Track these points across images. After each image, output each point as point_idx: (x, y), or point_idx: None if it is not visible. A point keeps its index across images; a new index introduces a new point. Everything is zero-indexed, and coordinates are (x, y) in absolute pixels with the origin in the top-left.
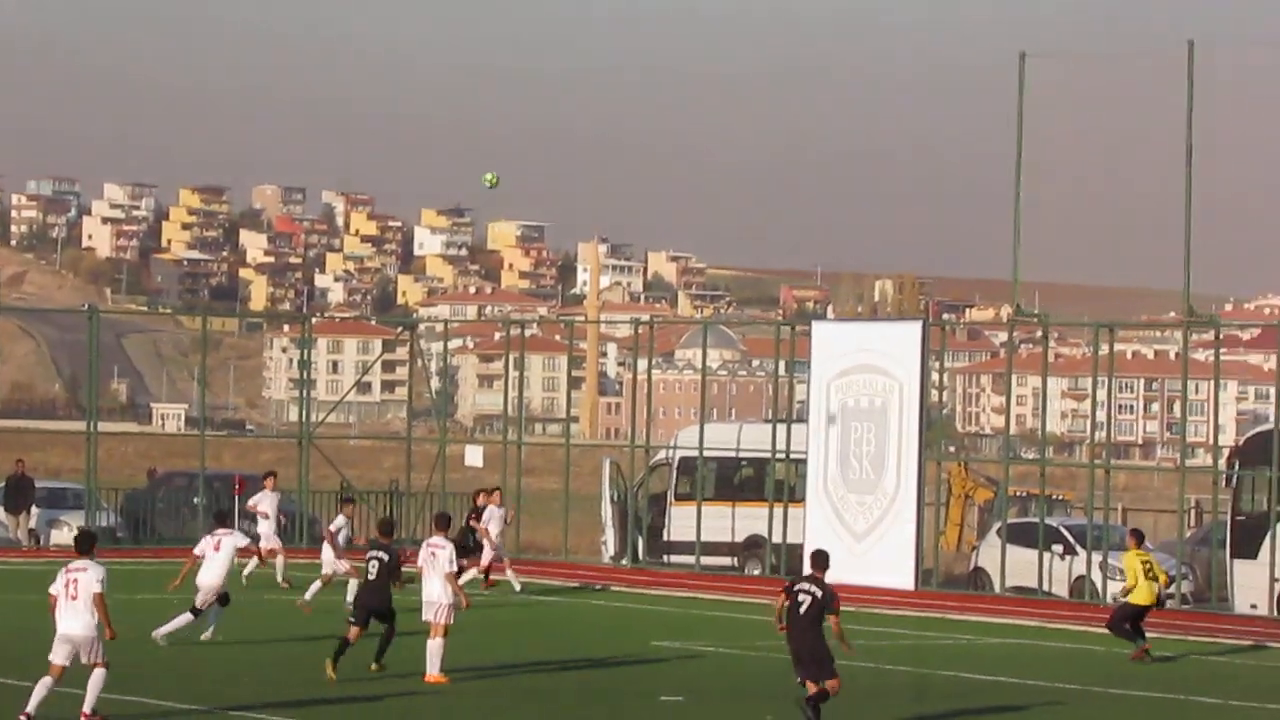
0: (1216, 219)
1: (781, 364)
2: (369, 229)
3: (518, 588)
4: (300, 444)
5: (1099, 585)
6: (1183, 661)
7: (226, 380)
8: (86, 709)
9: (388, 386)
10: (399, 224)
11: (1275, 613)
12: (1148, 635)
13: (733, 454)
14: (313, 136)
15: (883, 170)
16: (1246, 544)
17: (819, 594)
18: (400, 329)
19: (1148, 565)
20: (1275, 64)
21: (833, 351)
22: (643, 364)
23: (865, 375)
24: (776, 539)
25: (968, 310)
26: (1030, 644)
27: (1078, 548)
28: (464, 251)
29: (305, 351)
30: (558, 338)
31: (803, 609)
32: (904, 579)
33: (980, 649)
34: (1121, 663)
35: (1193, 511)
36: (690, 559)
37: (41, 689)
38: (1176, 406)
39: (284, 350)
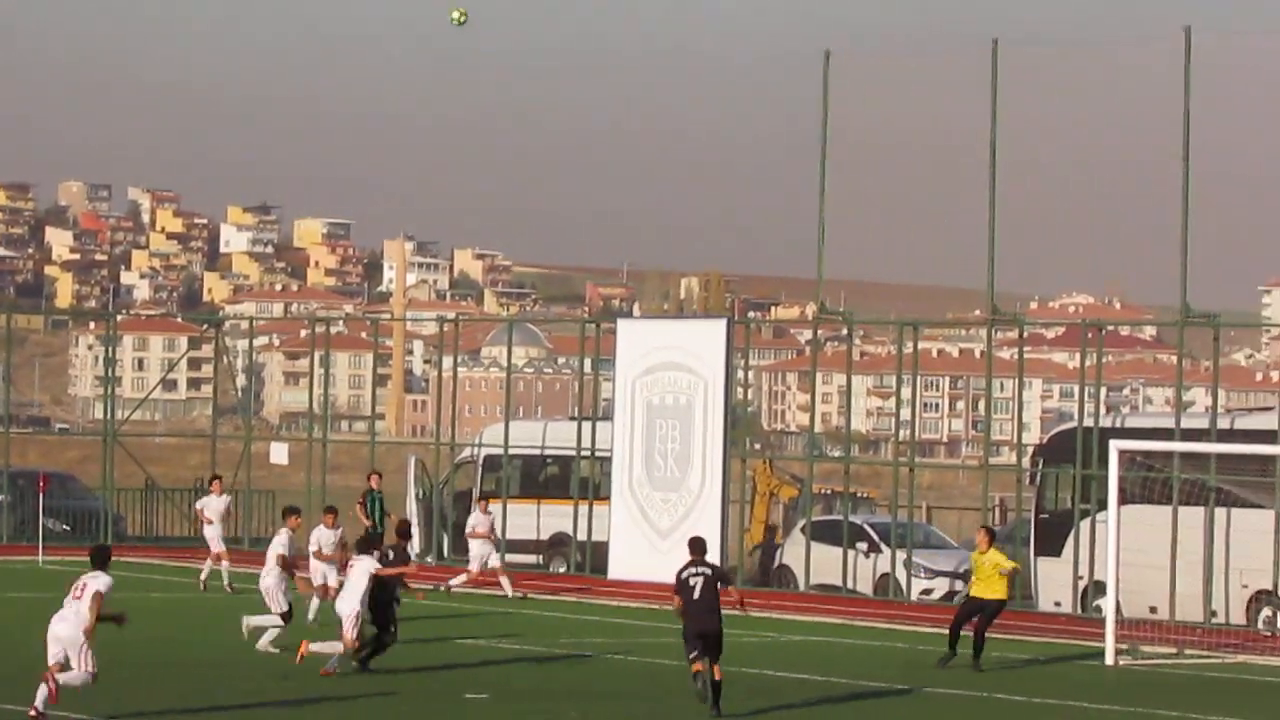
0: (1021, 218)
1: (587, 362)
2: (175, 226)
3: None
4: (105, 441)
5: (903, 583)
6: (986, 659)
7: (32, 377)
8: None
9: (194, 384)
10: (205, 221)
11: (1079, 610)
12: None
13: (538, 452)
14: (119, 133)
15: (688, 168)
16: (1050, 542)
17: (709, 572)
18: (206, 326)
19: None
20: (1077, 61)
21: (638, 349)
22: (448, 362)
23: (670, 373)
24: (581, 536)
25: (774, 308)
26: (834, 641)
27: (882, 545)
28: (270, 249)
29: (110, 349)
30: (364, 335)
31: (697, 592)
32: None
33: (784, 646)
34: (925, 659)
35: (997, 509)
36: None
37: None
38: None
39: (90, 348)
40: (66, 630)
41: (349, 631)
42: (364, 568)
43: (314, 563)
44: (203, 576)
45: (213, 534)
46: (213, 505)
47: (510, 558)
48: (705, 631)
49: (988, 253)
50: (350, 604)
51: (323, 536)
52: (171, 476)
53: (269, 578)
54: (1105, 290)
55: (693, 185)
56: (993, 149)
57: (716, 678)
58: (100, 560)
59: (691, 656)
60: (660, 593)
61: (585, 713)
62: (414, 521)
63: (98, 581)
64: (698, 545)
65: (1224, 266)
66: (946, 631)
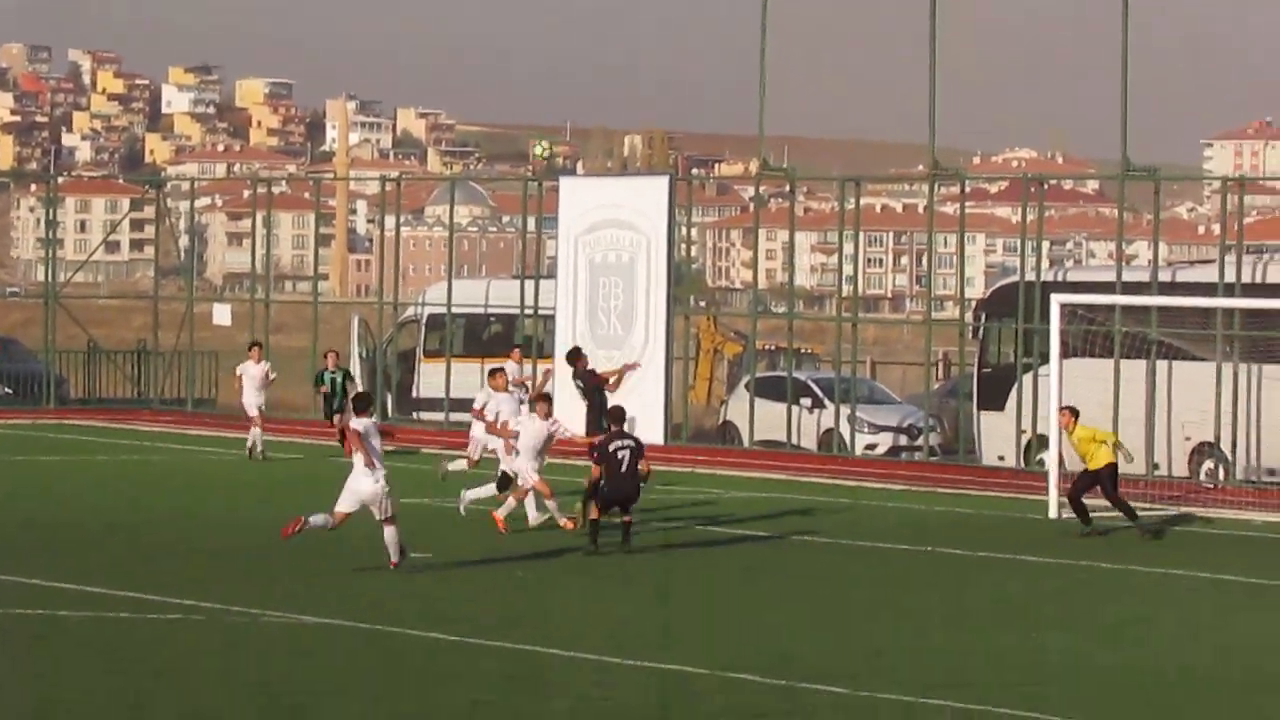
0: (963, 74)
1: (530, 220)
2: (116, 87)
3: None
4: (46, 304)
5: (846, 438)
6: (929, 513)
7: None
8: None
9: (136, 245)
10: (146, 82)
11: (1022, 464)
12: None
13: (482, 310)
14: None
15: (631, 24)
16: (993, 396)
17: (634, 444)
18: (147, 188)
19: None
20: None
21: (581, 207)
22: (391, 221)
23: (613, 230)
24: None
25: (717, 165)
26: (779, 496)
27: (826, 401)
28: (212, 109)
29: (51, 211)
30: (306, 195)
31: (624, 464)
32: (654, 433)
33: (729, 502)
34: (868, 512)
35: (940, 364)
36: (440, 415)
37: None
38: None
39: (31, 210)
40: (369, 488)
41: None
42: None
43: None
44: (249, 444)
45: (250, 401)
46: (251, 371)
47: (454, 416)
48: (627, 497)
49: (929, 108)
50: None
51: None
52: (114, 338)
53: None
54: (1048, 145)
55: (637, 43)
56: (933, 4)
57: (627, 520)
58: (362, 406)
59: (609, 513)
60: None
61: (530, 571)
62: (358, 381)
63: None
64: (619, 415)
65: (1166, 121)
66: (892, 488)
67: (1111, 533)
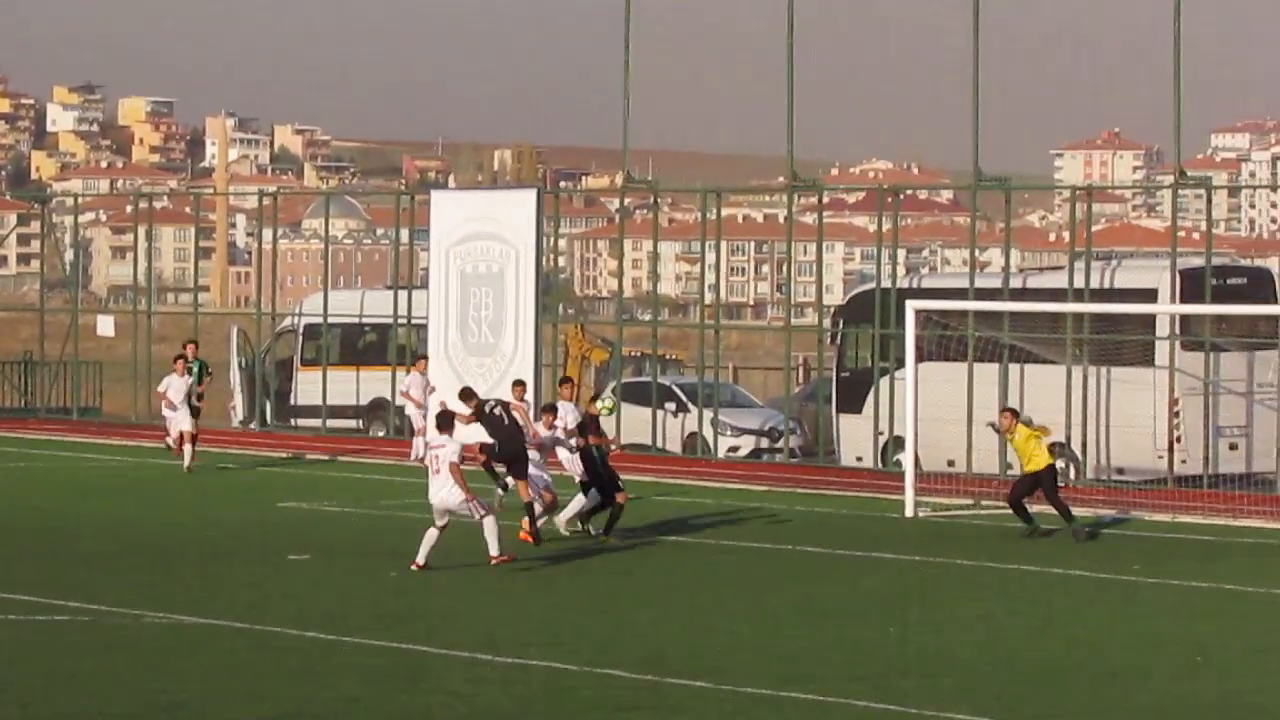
0: (821, 88)
1: (403, 233)
2: (2, 106)
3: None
4: None
5: (710, 441)
6: (791, 513)
7: None
8: (493, 553)
9: (23, 259)
10: (31, 101)
11: (879, 465)
12: None
13: (357, 320)
14: None
15: (500, 42)
16: (851, 399)
17: (498, 400)
18: (33, 204)
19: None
20: None
21: (452, 219)
22: (269, 234)
23: (483, 242)
24: (400, 402)
25: (584, 178)
26: (646, 498)
27: (690, 405)
28: (95, 127)
29: None
30: (187, 210)
31: (505, 419)
32: None
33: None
34: (732, 515)
35: (800, 369)
36: (317, 422)
37: (428, 540)
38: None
39: None
40: (448, 498)
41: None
42: None
43: None
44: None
45: (416, 414)
46: (416, 386)
47: (331, 423)
48: (516, 455)
49: (787, 122)
50: None
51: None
52: (2, 349)
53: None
54: (903, 156)
55: (507, 60)
56: (790, 21)
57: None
58: (444, 424)
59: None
60: (474, 455)
61: (403, 569)
62: (237, 390)
63: (449, 452)
64: (467, 393)
65: (1018, 132)
66: (754, 489)
67: (1055, 533)
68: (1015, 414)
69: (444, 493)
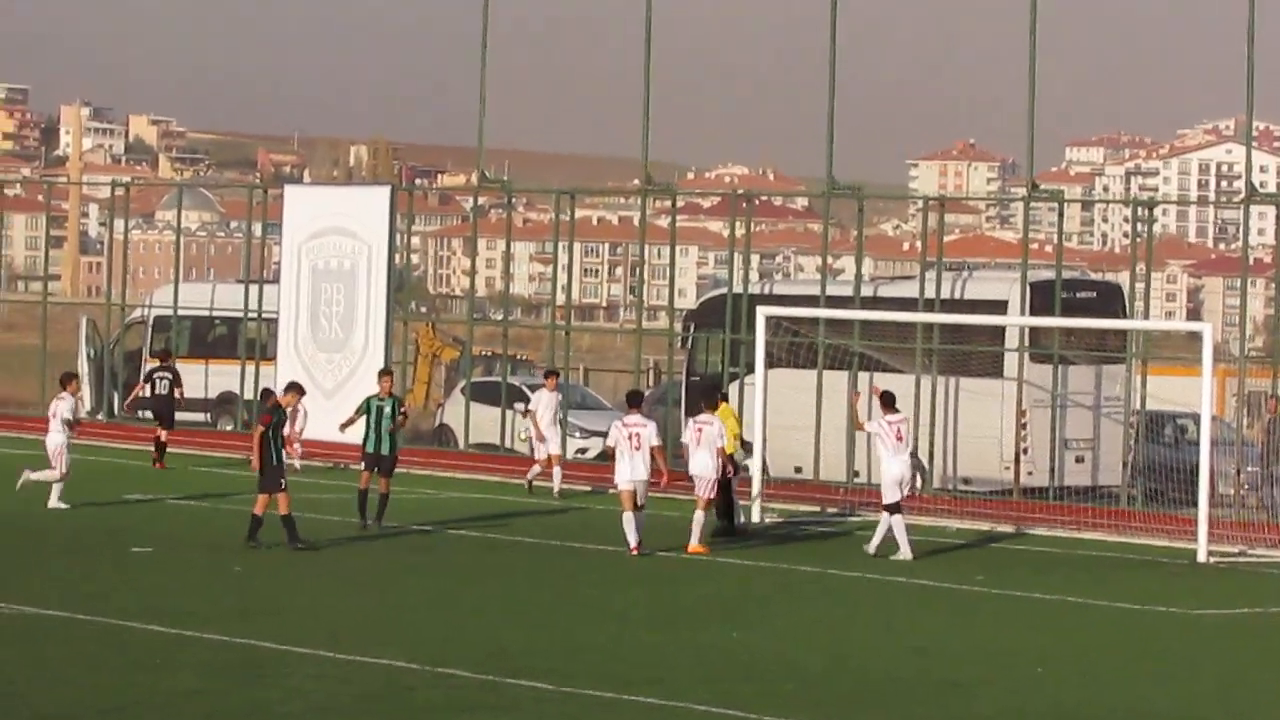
0: (679, 93)
1: (256, 226)
2: None
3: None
4: None
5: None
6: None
7: None
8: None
9: None
10: None
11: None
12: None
13: (207, 313)
14: None
15: (359, 38)
16: (700, 403)
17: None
18: None
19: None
20: None
21: (305, 215)
22: (121, 224)
23: (335, 238)
24: (249, 395)
25: (440, 176)
26: (492, 498)
27: None
28: None
29: None
30: (40, 198)
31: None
32: None
33: (443, 502)
34: (578, 514)
35: (651, 372)
36: (124, 412)
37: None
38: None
39: None
40: (642, 475)
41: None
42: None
43: None
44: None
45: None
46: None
47: (180, 415)
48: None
49: (643, 125)
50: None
51: None
52: None
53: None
54: (759, 162)
55: (365, 56)
56: (648, 28)
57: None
58: (635, 401)
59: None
60: (326, 451)
61: (248, 564)
62: (86, 380)
63: (650, 433)
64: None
65: (874, 141)
66: (603, 490)
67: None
68: (725, 398)
69: (640, 470)
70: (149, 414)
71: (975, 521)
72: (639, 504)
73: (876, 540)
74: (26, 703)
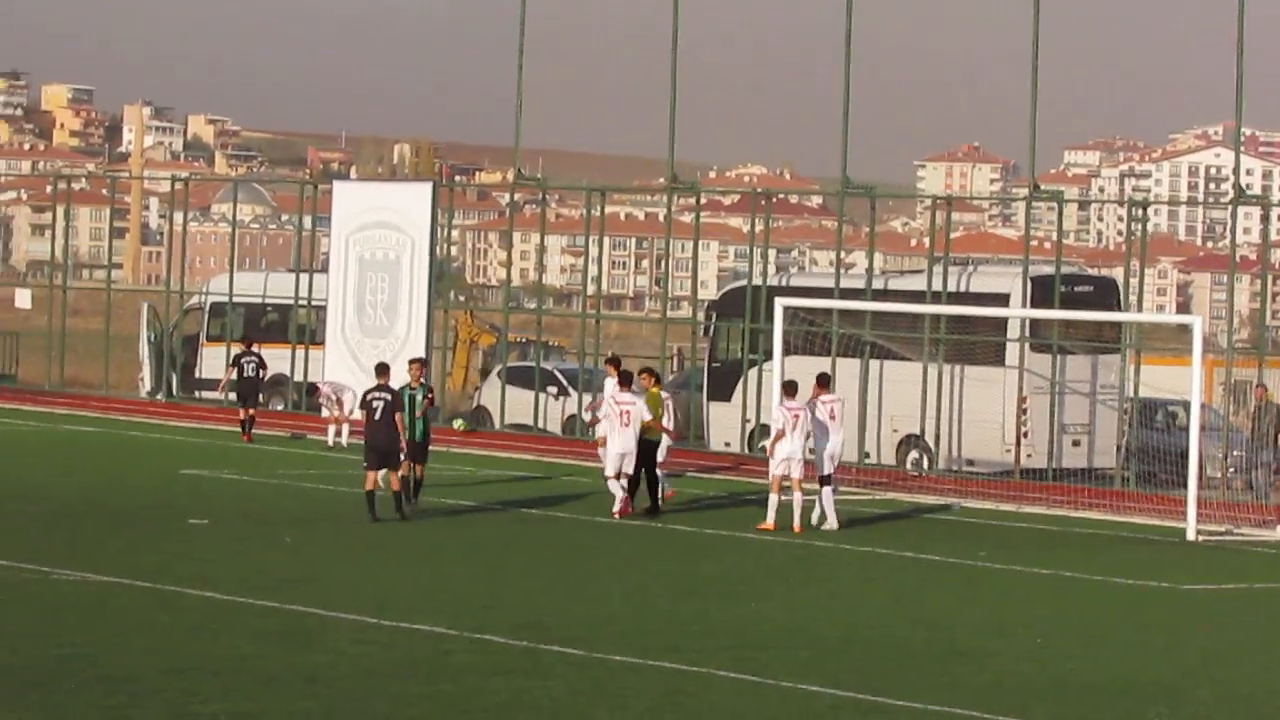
0: (703, 95)
1: (306, 219)
2: None
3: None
4: None
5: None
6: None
7: None
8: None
9: None
10: None
11: (746, 450)
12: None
13: (260, 300)
14: None
15: (403, 41)
16: (721, 388)
17: (389, 398)
18: None
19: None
20: None
21: (352, 209)
22: (180, 217)
23: (381, 231)
24: (299, 378)
25: (478, 173)
26: (528, 475)
27: (570, 389)
28: (19, 112)
29: None
30: (104, 192)
31: (379, 414)
32: None
33: (483, 479)
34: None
35: (675, 358)
36: (220, 395)
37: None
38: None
39: None
40: (633, 446)
41: None
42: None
43: None
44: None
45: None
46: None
47: (233, 397)
48: (380, 444)
49: (669, 126)
50: None
51: None
52: None
53: None
54: (777, 162)
55: (408, 59)
56: (675, 33)
57: (395, 487)
58: (627, 380)
59: (365, 467)
60: None
61: (298, 536)
62: (146, 362)
63: (640, 409)
64: (382, 369)
65: (885, 143)
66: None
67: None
68: (653, 374)
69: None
70: (232, 396)
71: (979, 500)
72: (624, 472)
73: (831, 514)
74: (93, 663)
